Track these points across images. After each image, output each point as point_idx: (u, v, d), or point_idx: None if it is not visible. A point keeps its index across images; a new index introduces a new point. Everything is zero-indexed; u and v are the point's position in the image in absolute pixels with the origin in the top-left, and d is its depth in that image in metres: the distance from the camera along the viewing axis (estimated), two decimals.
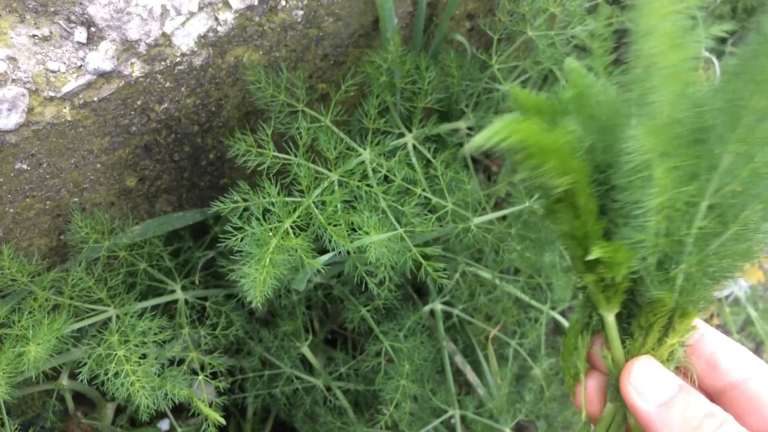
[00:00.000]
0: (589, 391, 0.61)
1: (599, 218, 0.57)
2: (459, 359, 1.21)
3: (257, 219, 0.80)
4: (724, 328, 1.68)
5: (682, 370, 0.59)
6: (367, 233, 0.83)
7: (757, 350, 1.68)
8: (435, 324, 1.17)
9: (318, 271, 0.83)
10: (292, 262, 0.80)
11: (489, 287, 1.22)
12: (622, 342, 0.60)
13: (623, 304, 0.60)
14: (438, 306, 1.16)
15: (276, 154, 0.84)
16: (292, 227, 0.81)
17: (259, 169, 0.84)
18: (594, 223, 0.56)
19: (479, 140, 0.48)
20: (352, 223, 0.83)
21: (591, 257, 0.54)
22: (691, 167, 0.53)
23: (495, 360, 1.16)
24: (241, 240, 0.80)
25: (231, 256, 0.83)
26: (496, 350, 1.23)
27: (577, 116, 0.56)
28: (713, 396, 0.57)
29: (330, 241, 0.82)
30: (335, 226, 0.82)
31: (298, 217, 0.82)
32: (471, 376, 1.21)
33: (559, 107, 0.56)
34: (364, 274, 0.90)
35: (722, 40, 1.57)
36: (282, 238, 0.79)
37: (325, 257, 0.84)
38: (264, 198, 0.82)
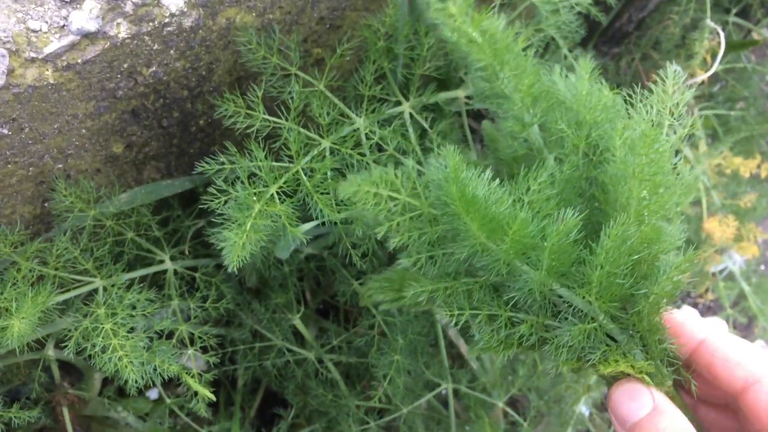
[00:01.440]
0: None
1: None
2: (452, 332, 1.20)
3: (242, 182, 0.77)
4: (717, 303, 1.68)
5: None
6: (355, 204, 0.80)
7: (750, 324, 1.68)
8: None
9: (306, 240, 0.80)
10: (275, 229, 0.78)
11: None
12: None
13: None
14: None
15: (266, 117, 0.80)
16: (278, 193, 0.79)
17: (247, 131, 0.81)
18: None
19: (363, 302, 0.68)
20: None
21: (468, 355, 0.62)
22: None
23: None
24: (225, 203, 0.77)
25: (220, 224, 0.80)
26: None
27: None
28: (736, 398, 0.55)
29: (316, 210, 0.79)
30: (323, 194, 0.80)
31: (285, 183, 0.79)
32: (464, 349, 1.19)
33: None
34: (349, 246, 0.88)
35: (726, 10, 1.54)
36: (266, 203, 0.76)
37: (308, 225, 0.81)
38: (251, 161, 0.79)
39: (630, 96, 0.62)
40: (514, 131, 0.64)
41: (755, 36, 1.53)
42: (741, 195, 1.47)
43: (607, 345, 0.56)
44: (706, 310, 1.75)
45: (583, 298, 0.55)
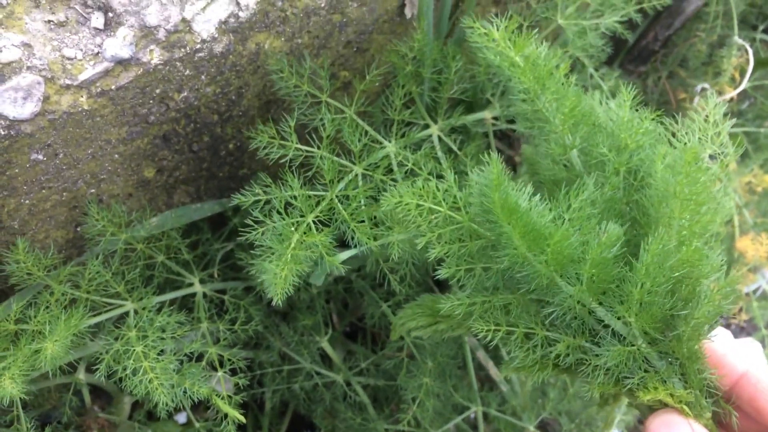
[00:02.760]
0: None
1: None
2: (481, 354, 1.18)
3: (279, 213, 0.77)
4: (751, 324, 1.64)
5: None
6: (390, 228, 0.80)
7: None
8: None
9: (343, 268, 0.80)
10: (313, 258, 0.78)
11: None
12: None
13: None
14: None
15: (299, 146, 0.81)
16: (314, 222, 0.79)
17: (280, 160, 0.81)
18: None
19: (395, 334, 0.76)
20: (375, 218, 0.80)
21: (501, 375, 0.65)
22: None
23: None
24: (262, 234, 0.77)
25: (250, 249, 0.80)
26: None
27: None
28: None
29: (353, 238, 0.79)
30: (359, 222, 0.79)
31: (321, 211, 0.79)
32: (494, 371, 1.18)
33: None
34: (387, 272, 0.88)
35: (753, 27, 1.52)
36: (304, 233, 0.76)
37: (346, 254, 0.81)
38: (286, 191, 0.79)
39: (671, 124, 0.62)
40: (556, 154, 0.64)
41: None
42: None
43: (645, 371, 0.55)
44: (740, 331, 1.72)
45: (621, 318, 0.55)
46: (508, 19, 0.63)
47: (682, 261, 0.53)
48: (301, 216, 0.78)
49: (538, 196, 0.54)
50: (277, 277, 0.70)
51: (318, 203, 0.80)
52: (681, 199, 0.53)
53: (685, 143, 0.58)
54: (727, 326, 1.68)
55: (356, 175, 0.83)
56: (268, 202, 0.79)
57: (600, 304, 0.55)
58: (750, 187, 1.44)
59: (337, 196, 0.80)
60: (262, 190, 0.79)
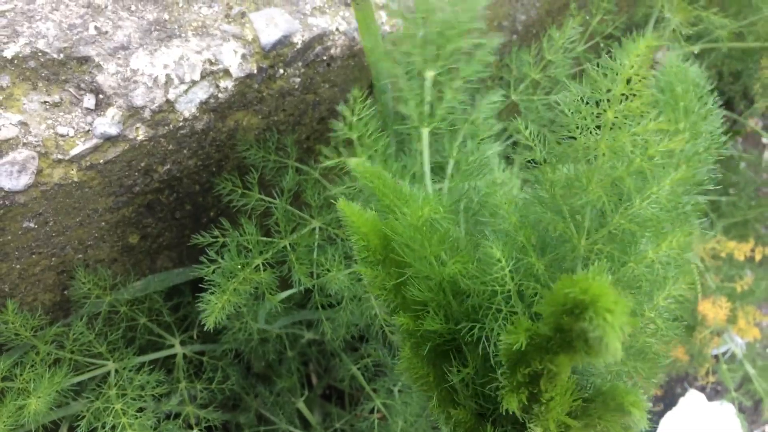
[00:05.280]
0: None
1: None
2: None
3: (230, 252, 0.86)
4: (722, 386, 1.68)
5: None
6: (329, 271, 0.87)
7: (757, 408, 1.68)
8: None
9: (281, 308, 0.88)
10: (255, 295, 0.88)
11: None
12: None
13: None
14: None
15: (262, 196, 0.89)
16: (266, 264, 0.87)
17: (252, 217, 0.89)
18: None
19: None
20: (323, 266, 0.88)
21: None
22: None
23: None
24: (213, 272, 0.85)
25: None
26: None
27: None
28: None
29: (296, 278, 0.87)
30: (302, 264, 0.87)
31: (273, 255, 0.88)
32: None
33: None
34: (323, 319, 0.94)
35: None
36: (250, 272, 0.85)
37: (284, 294, 0.89)
38: (241, 235, 0.87)
39: None
40: None
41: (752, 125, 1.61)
42: (737, 277, 1.50)
43: None
44: (715, 394, 1.75)
45: None
46: None
47: None
48: (252, 257, 0.86)
49: None
50: (214, 306, 0.80)
51: (270, 248, 0.88)
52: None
53: None
54: (702, 389, 1.72)
55: (314, 228, 0.90)
56: (224, 245, 0.87)
57: None
58: (714, 253, 1.51)
59: (291, 244, 0.88)
60: (220, 233, 0.87)
